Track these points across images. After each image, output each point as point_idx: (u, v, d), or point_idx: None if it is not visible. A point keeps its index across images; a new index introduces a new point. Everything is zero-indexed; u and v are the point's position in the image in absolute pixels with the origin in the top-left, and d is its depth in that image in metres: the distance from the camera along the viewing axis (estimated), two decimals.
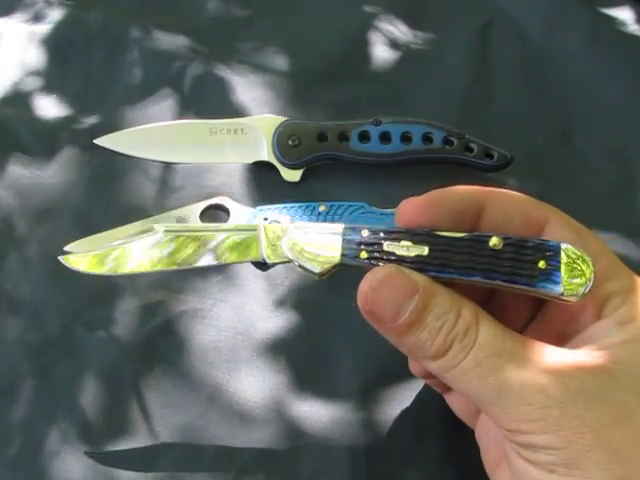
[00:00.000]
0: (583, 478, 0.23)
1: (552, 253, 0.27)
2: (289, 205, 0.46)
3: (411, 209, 0.29)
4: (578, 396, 0.24)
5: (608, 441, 0.24)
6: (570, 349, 0.27)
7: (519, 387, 0.24)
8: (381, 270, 0.27)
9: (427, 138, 0.47)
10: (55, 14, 0.56)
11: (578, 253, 0.26)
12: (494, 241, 0.27)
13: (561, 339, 0.29)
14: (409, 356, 0.34)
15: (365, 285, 0.27)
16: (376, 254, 0.28)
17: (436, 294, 0.27)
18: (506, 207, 0.29)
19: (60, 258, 0.33)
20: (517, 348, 0.25)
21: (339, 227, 0.29)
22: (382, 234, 0.28)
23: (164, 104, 0.52)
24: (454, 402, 0.36)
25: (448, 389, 0.36)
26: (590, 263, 0.26)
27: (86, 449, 0.39)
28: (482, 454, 0.33)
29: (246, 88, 0.52)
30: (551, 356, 0.25)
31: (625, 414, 0.24)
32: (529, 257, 0.27)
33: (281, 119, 0.49)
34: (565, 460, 0.24)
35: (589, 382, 0.24)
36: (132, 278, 0.44)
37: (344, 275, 0.30)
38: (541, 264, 0.26)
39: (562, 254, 0.26)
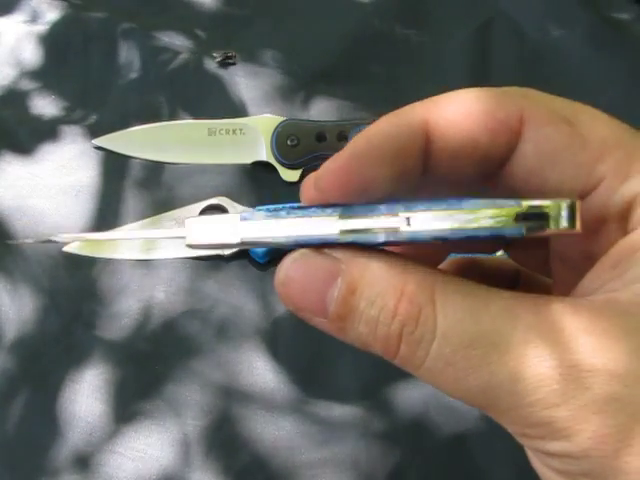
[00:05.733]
0: None
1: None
2: (288, 205, 0.46)
3: (331, 181, 0.20)
4: (595, 386, 0.16)
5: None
6: (588, 298, 0.18)
7: (510, 385, 0.17)
8: (293, 254, 0.20)
9: None
10: (54, 14, 0.56)
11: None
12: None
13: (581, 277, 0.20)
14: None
15: (279, 275, 0.20)
16: None
17: (366, 269, 0.18)
18: (458, 123, 0.20)
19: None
20: (500, 325, 0.17)
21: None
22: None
23: (163, 104, 0.51)
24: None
25: None
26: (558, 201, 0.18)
27: (86, 449, 0.39)
28: None
29: (245, 88, 0.52)
30: (552, 325, 0.17)
31: None
32: None
33: (280, 119, 0.49)
34: (586, 471, 0.17)
35: (608, 361, 0.16)
36: (131, 279, 0.44)
37: None
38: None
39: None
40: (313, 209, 0.19)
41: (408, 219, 0.18)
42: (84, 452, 0.39)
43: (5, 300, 0.43)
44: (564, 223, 0.18)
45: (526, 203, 0.18)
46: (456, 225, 0.18)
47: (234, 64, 0.53)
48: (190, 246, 0.20)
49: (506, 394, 0.17)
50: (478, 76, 0.53)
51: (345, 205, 0.19)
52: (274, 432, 0.39)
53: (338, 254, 0.19)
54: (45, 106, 0.51)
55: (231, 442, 0.39)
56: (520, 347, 0.17)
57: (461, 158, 0.20)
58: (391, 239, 0.18)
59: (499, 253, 0.26)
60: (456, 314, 0.17)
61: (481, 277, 0.20)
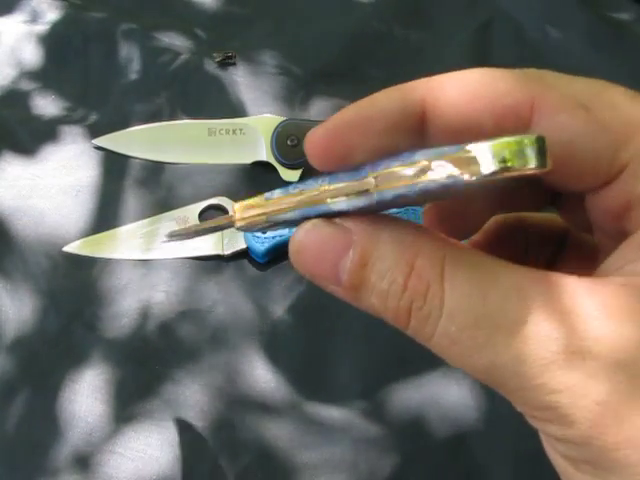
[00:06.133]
0: None
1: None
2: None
3: (317, 147, 0.19)
4: (600, 373, 0.16)
5: None
6: (606, 278, 0.17)
7: (515, 367, 0.16)
8: (305, 224, 0.20)
9: None
10: (54, 14, 0.56)
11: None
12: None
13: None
14: None
15: (293, 244, 0.20)
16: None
17: (378, 242, 0.18)
18: (460, 106, 0.19)
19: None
20: (507, 305, 0.17)
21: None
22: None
23: (163, 104, 0.51)
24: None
25: None
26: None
27: (86, 449, 0.39)
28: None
29: (245, 88, 0.52)
30: (562, 306, 0.16)
31: None
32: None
33: (280, 119, 0.49)
34: (588, 458, 0.17)
35: (615, 349, 0.16)
36: (131, 279, 0.44)
37: None
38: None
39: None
40: (309, 181, 0.19)
41: (376, 178, 0.17)
42: (84, 452, 0.39)
43: (5, 300, 0.43)
44: (532, 163, 0.16)
45: (483, 144, 0.16)
46: (410, 181, 0.17)
47: (234, 64, 0.53)
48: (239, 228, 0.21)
49: (511, 375, 0.17)
50: None
51: (332, 174, 0.19)
52: (274, 432, 0.39)
53: (349, 224, 0.18)
54: (45, 106, 0.51)
55: (231, 442, 0.39)
56: (526, 329, 0.16)
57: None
58: (369, 203, 0.18)
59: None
60: (464, 291, 0.17)
61: (527, 236, 0.20)
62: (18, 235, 0.46)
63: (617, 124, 0.17)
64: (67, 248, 0.45)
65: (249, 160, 0.49)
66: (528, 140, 0.16)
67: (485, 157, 0.16)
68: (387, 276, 0.18)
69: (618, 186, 0.18)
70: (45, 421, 0.40)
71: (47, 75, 0.53)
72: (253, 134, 0.49)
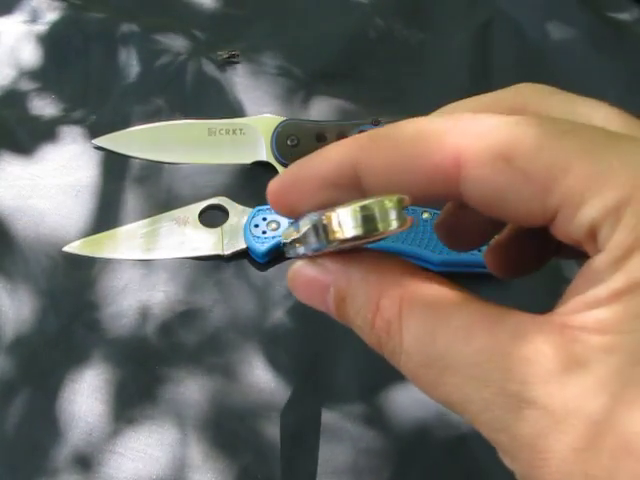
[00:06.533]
0: None
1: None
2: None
3: (271, 199, 0.21)
4: (529, 418, 0.16)
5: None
6: (553, 315, 0.17)
7: (462, 406, 0.17)
8: (295, 264, 0.21)
9: None
10: (54, 14, 0.56)
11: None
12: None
13: None
14: None
15: (288, 280, 0.22)
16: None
17: (350, 281, 0.20)
18: (388, 169, 0.19)
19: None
20: (454, 346, 0.17)
21: None
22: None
23: (163, 104, 0.51)
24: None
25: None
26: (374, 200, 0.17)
27: (86, 449, 0.39)
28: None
29: (245, 88, 0.52)
30: (504, 348, 0.16)
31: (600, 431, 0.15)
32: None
33: (280, 119, 0.49)
34: None
35: (545, 398, 0.15)
36: (131, 279, 0.44)
37: None
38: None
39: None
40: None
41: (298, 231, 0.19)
42: (84, 452, 0.39)
43: (5, 300, 0.43)
44: (393, 225, 0.17)
45: (344, 209, 0.17)
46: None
47: (238, 62, 0.53)
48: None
49: (462, 412, 0.18)
50: (478, 76, 0.53)
51: (294, 220, 0.20)
52: (274, 432, 0.39)
53: (328, 264, 0.20)
54: (45, 106, 0.51)
55: (231, 442, 0.39)
56: (470, 370, 0.17)
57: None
58: (308, 251, 0.19)
59: None
60: (417, 331, 0.18)
61: (531, 237, 0.21)
62: (18, 235, 0.46)
63: (539, 170, 0.17)
64: (67, 248, 0.45)
65: (249, 160, 0.49)
66: (389, 202, 0.17)
67: (346, 222, 0.17)
68: (360, 312, 0.19)
69: (557, 228, 0.17)
70: (45, 421, 0.40)
71: (47, 75, 0.53)
72: (253, 134, 0.49)
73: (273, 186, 0.21)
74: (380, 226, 0.17)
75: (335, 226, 0.17)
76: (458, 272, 0.43)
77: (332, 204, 0.18)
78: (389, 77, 0.54)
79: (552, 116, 0.19)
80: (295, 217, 0.20)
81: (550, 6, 0.57)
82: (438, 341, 0.17)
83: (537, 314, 0.17)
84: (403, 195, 0.17)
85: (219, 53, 0.53)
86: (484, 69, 0.54)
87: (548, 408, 0.15)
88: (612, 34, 0.55)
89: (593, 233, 0.16)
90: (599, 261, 0.16)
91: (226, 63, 0.53)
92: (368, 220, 0.17)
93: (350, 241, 0.17)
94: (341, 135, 0.47)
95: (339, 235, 0.17)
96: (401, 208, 0.17)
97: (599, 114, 0.18)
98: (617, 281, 0.15)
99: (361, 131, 0.47)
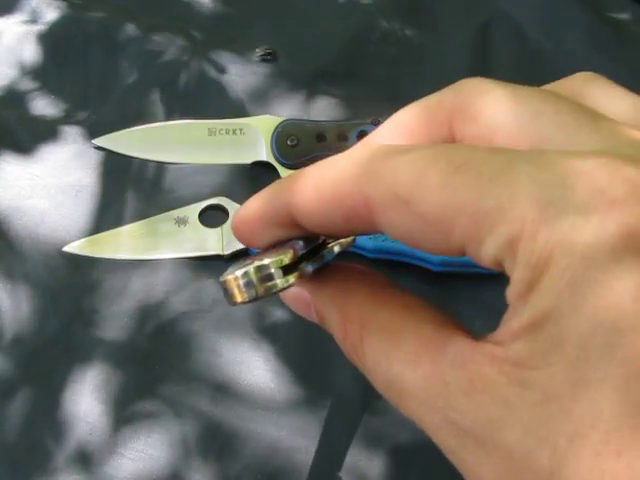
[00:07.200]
0: None
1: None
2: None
3: (234, 232, 0.22)
4: (469, 443, 0.16)
5: None
6: (486, 341, 0.17)
7: (420, 426, 0.18)
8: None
9: None
10: (54, 14, 0.56)
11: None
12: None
13: None
14: None
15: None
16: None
17: (323, 304, 0.21)
18: (312, 211, 0.19)
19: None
20: (405, 372, 0.17)
21: None
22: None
23: (163, 104, 0.51)
24: None
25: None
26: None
27: (86, 449, 0.39)
28: None
29: (245, 88, 0.52)
30: (444, 374, 0.17)
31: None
32: None
33: (280, 119, 0.49)
34: None
35: (477, 421, 0.16)
36: (131, 279, 0.44)
37: None
38: None
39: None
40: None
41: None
42: (84, 452, 0.39)
43: (5, 300, 0.43)
44: (278, 285, 0.18)
45: (237, 272, 0.18)
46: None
47: (275, 60, 0.53)
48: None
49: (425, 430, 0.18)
50: (478, 76, 0.53)
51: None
52: (274, 432, 0.39)
53: (307, 286, 0.21)
54: (45, 106, 0.51)
55: (231, 442, 0.39)
56: (420, 395, 0.17)
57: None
58: None
59: None
60: (376, 356, 0.18)
61: None
62: (18, 235, 0.46)
63: (435, 213, 0.16)
64: (67, 248, 0.45)
65: (249, 160, 0.49)
66: (272, 263, 0.18)
67: (232, 288, 0.18)
68: (334, 332, 0.20)
69: (474, 257, 0.17)
70: (45, 421, 0.40)
71: (47, 75, 0.53)
72: (253, 134, 0.49)
73: (233, 221, 0.22)
74: (261, 290, 0.18)
75: (236, 289, 0.18)
76: (458, 272, 0.43)
77: (281, 241, 0.20)
78: (389, 77, 0.54)
79: (495, 116, 0.19)
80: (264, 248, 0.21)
81: (550, 6, 0.57)
82: (393, 366, 0.18)
83: (478, 338, 0.17)
84: (287, 253, 0.18)
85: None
86: (484, 69, 0.54)
87: (479, 439, 0.16)
88: (612, 34, 0.55)
89: (501, 267, 0.16)
90: (510, 293, 0.16)
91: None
92: (249, 286, 0.18)
93: (257, 299, 0.18)
94: (341, 135, 0.47)
95: (238, 299, 0.18)
96: (285, 267, 0.18)
97: (444, 174, 0.17)
98: (525, 315, 0.15)
99: (361, 131, 0.47)
